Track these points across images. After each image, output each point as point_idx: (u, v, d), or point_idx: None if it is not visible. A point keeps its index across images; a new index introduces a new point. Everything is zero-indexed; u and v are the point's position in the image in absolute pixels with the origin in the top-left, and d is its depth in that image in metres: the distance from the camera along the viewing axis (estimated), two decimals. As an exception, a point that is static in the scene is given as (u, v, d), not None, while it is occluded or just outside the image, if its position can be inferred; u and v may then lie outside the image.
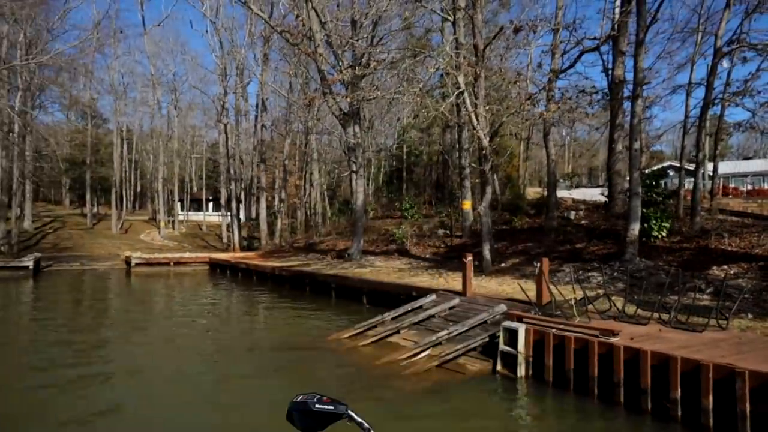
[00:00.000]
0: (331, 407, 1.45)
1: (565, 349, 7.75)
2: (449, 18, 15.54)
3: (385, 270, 17.97)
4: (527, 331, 8.32)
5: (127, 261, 28.78)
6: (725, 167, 35.58)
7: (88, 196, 42.49)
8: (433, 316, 11.27)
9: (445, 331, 9.81)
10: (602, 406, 7.07)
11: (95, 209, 47.00)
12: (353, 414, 1.48)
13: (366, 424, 1.47)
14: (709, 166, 18.42)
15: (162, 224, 41.75)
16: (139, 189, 61.53)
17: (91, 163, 42.33)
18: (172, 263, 28.93)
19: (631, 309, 9.51)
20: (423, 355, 9.40)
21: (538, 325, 8.41)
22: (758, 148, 57.07)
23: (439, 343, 9.66)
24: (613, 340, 7.32)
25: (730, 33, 16.84)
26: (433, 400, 7.51)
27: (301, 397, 1.48)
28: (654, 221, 14.97)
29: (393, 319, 11.65)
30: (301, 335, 12.08)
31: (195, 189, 57.37)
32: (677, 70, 26.72)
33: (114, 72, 43.59)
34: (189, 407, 7.32)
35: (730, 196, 26.27)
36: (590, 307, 9.41)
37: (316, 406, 1.45)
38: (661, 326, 8.42)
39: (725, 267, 12.69)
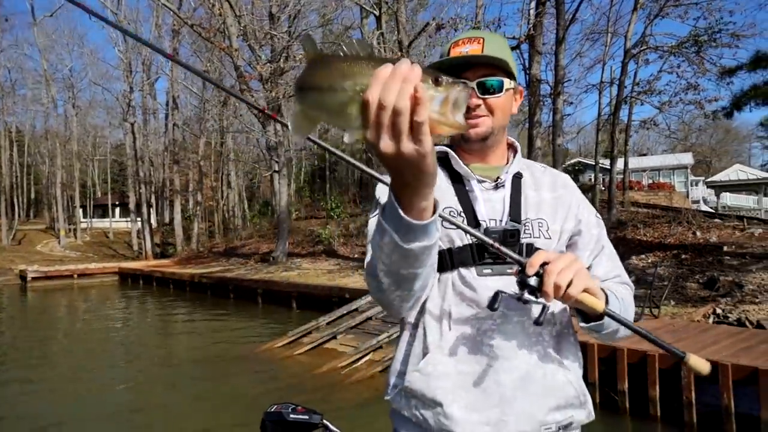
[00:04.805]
0: (306, 417, 1.44)
1: (511, 347, 7.63)
2: (375, 11, 15.21)
3: (313, 272, 17.36)
4: (471, 330, 8.12)
5: (22, 275, 25.93)
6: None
7: (-29, 205, 38.02)
8: (370, 318, 10.87)
9: (385, 334, 9.43)
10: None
11: (-19, 219, 42.19)
12: (328, 423, 1.47)
13: None
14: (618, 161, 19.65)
15: (62, 233, 38.21)
16: (33, 195, 56.13)
17: (-26, 168, 37.94)
18: (75, 275, 26.40)
19: (566, 301, 9.66)
20: (364, 360, 8.98)
21: (482, 323, 8.25)
22: (651, 146, 62.17)
23: (380, 347, 9.27)
24: (559, 334, 7.28)
25: (636, 36, 17.89)
26: (382, 409, 7.10)
27: (275, 407, 1.46)
28: (575, 214, 15.51)
29: (328, 324, 11.13)
30: (229, 347, 11.23)
31: (99, 194, 53.18)
32: (587, 71, 28.15)
33: (-1, 66, 39.35)
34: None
35: (635, 189, 28.11)
36: (528, 301, 9.43)
37: (291, 416, 1.42)
38: (599, 317, 8.56)
39: (643, 256, 13.35)
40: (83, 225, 43.34)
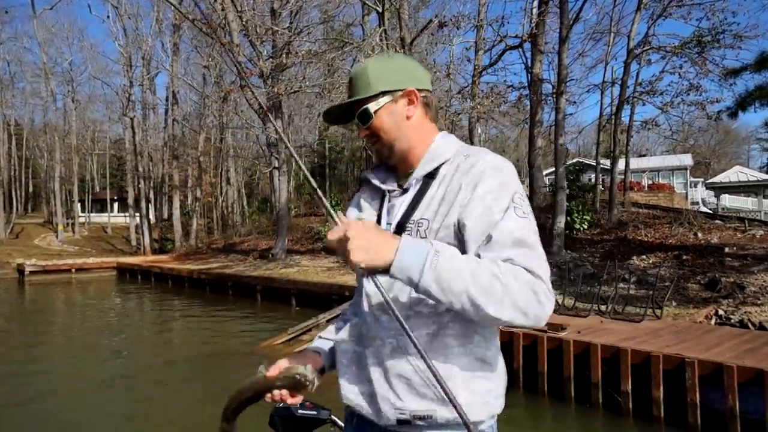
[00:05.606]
0: (314, 412, 1.47)
1: (513, 346, 7.59)
2: (377, 8, 15.13)
3: (312, 269, 17.31)
4: (473, 329, 8.08)
5: (20, 269, 25.86)
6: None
7: (-31, 198, 37.84)
8: (370, 316, 10.83)
9: (386, 333, 9.40)
10: (553, 402, 6.97)
11: (-21, 212, 42.00)
12: (336, 419, 1.50)
13: None
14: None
15: (60, 227, 38.07)
16: (31, 189, 55.95)
17: (-28, 161, 37.74)
18: (73, 270, 26.33)
19: (568, 301, 9.62)
20: (364, 359, 8.94)
21: (484, 323, 8.20)
22: (650, 147, 62.19)
23: (381, 346, 9.23)
24: (562, 334, 7.25)
25: (639, 36, 17.82)
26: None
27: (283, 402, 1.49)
28: (576, 214, 15.49)
29: (328, 321, 11.07)
30: (229, 344, 11.19)
31: (98, 188, 53.02)
32: (590, 71, 28.06)
33: (-2, 59, 39.15)
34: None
35: (635, 190, 28.11)
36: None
37: (299, 411, 1.46)
38: (602, 318, 8.52)
39: (644, 257, 13.31)
40: (81, 219, 43.21)
